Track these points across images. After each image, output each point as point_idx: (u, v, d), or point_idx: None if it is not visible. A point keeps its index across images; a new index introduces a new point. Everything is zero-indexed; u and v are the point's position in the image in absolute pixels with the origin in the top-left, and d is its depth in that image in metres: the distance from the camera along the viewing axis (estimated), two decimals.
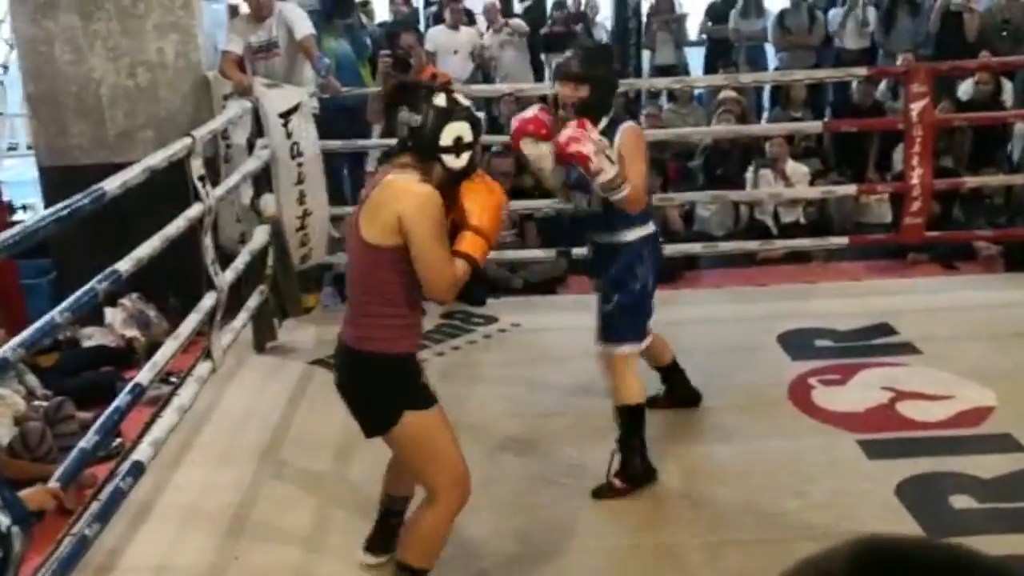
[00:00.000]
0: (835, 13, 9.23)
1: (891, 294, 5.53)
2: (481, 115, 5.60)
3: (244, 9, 5.73)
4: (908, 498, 3.49)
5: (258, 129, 5.16)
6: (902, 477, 3.62)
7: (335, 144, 5.58)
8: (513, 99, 8.51)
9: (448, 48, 9.01)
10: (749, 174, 6.81)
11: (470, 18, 9.89)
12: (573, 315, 5.52)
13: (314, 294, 5.82)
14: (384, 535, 3.30)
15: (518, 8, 10.69)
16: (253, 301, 4.91)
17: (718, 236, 6.62)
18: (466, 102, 2.79)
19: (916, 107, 5.16)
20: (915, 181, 5.24)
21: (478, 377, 4.76)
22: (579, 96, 3.41)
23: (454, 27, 9.08)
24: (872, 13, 9.13)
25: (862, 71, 5.95)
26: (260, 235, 4.96)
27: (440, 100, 2.72)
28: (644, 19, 10.53)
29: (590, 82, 3.42)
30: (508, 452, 4.00)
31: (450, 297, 2.85)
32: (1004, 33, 8.17)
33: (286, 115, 5.08)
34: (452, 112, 2.72)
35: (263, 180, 5.27)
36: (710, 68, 9.81)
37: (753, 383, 4.50)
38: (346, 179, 6.66)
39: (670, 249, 5.80)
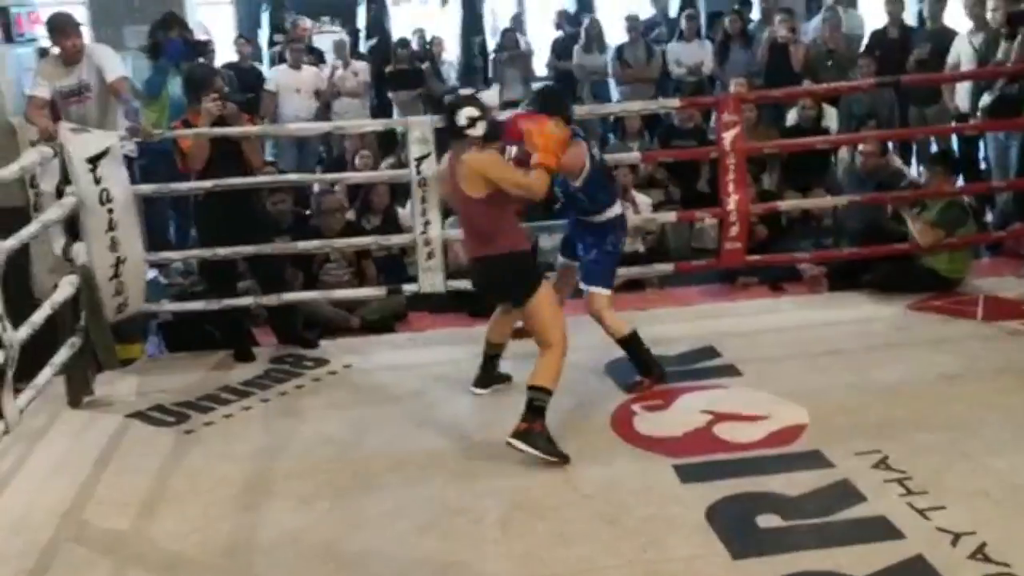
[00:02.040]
0: (673, 47, 9.48)
1: (718, 317, 5.64)
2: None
3: (55, 51, 5.52)
4: (717, 520, 3.51)
5: (66, 176, 4.95)
6: (713, 499, 3.64)
7: (147, 188, 5.41)
8: (358, 136, 8.50)
9: (291, 87, 8.92)
10: None
11: (320, 57, 9.82)
12: (407, 353, 5.50)
13: (138, 344, 5.60)
14: (488, 373, 4.78)
15: (364, 47, 10.66)
16: (61, 355, 4.68)
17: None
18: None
19: (728, 135, 5.30)
20: (731, 207, 5.36)
21: (303, 422, 4.63)
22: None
23: (296, 66, 9.00)
24: (708, 46, 9.44)
25: (675, 102, 6.08)
26: (66, 286, 4.75)
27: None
28: (491, 56, 10.65)
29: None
30: (324, 499, 3.88)
31: (542, 195, 4.07)
32: (829, 63, 8.52)
33: (94, 160, 4.87)
34: (457, 104, 4.11)
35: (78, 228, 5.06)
36: None
37: (578, 412, 4.51)
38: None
39: None
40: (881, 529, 3.37)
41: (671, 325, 5.52)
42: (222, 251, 5.25)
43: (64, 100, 5.38)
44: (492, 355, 4.79)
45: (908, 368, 4.73)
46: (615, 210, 4.68)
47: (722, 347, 5.16)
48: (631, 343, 4.73)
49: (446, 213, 5.34)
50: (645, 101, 6.53)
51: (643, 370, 4.73)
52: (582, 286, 4.73)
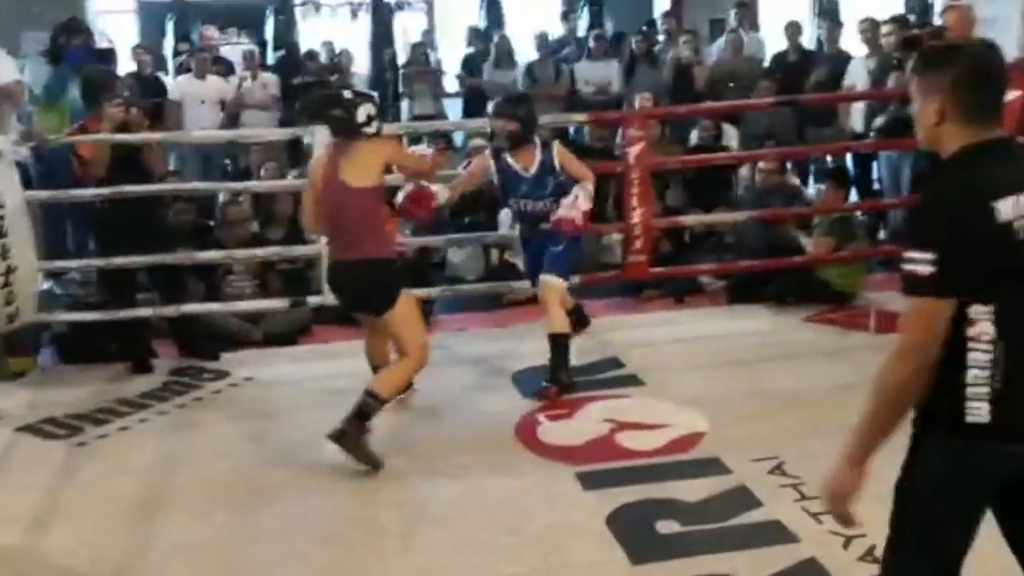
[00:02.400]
0: (581, 66, 9.60)
1: (623, 329, 5.72)
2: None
3: None
4: (617, 527, 3.54)
5: None
6: (614, 506, 3.68)
7: (43, 195, 5.25)
8: (264, 148, 8.39)
9: (195, 97, 8.76)
10: (502, 215, 6.91)
11: (228, 68, 9.67)
12: (309, 366, 5.44)
13: (29, 357, 5.42)
14: None
15: (271, 59, 10.54)
16: None
17: (469, 281, 6.67)
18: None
19: (633, 151, 5.39)
20: (636, 220, 5.44)
21: (200, 434, 4.54)
22: (510, 128, 4.73)
23: (201, 76, 8.85)
24: (615, 65, 9.58)
25: (582, 116, 6.17)
26: None
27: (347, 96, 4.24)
28: (400, 71, 10.62)
29: (518, 118, 4.73)
30: (221, 512, 3.80)
31: (429, 167, 4.64)
32: (731, 84, 8.72)
33: None
34: (356, 101, 4.17)
35: None
36: (468, 118, 9.95)
37: (483, 422, 4.52)
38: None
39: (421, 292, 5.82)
40: (776, 533, 3.44)
41: (577, 337, 5.55)
42: (118, 260, 5.12)
43: None
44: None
45: (804, 378, 4.85)
46: None
47: (626, 358, 5.23)
48: (561, 344, 4.76)
49: None
50: (554, 115, 6.56)
51: (554, 375, 4.75)
52: (541, 275, 4.79)
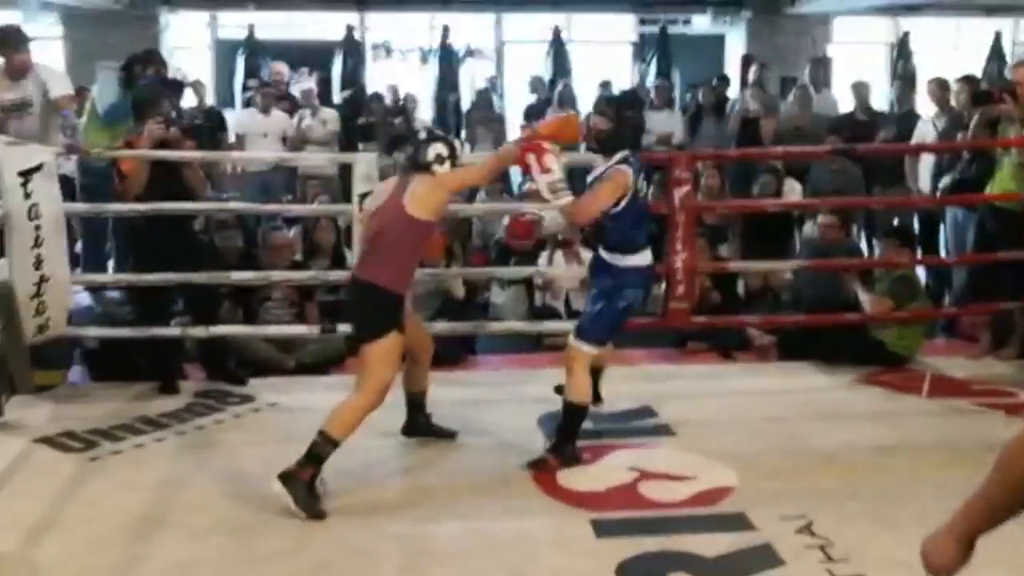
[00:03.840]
0: (649, 116, 9.49)
1: (660, 379, 5.50)
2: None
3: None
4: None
5: None
6: (626, 556, 3.47)
7: (80, 207, 5.27)
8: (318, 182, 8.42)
9: (258, 131, 8.85)
10: (543, 257, 6.79)
11: (294, 104, 9.77)
12: (335, 395, 5.20)
13: (59, 371, 5.40)
14: (414, 421, 4.57)
15: (337, 98, 10.64)
16: None
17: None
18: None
19: (679, 192, 5.22)
20: (678, 265, 5.25)
21: (213, 456, 4.43)
22: (600, 128, 4.27)
23: (265, 111, 8.95)
24: (679, 116, 9.46)
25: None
26: None
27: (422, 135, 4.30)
28: (463, 116, 10.65)
29: (614, 119, 4.23)
30: (219, 534, 3.68)
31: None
32: (797, 139, 8.52)
33: (26, 174, 4.75)
34: (431, 139, 4.13)
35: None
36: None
37: (501, 463, 4.33)
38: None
39: (454, 327, 5.71)
40: None
41: (612, 383, 5.32)
42: (150, 277, 5.09)
43: (5, 114, 5.27)
44: (413, 403, 4.58)
45: (846, 438, 4.58)
46: (641, 259, 4.26)
47: (660, 408, 5.01)
48: (574, 414, 4.27)
49: None
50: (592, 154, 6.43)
51: (557, 447, 4.29)
52: (570, 336, 4.28)
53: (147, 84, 5.57)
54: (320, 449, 3.84)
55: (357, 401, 3.93)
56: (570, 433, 4.28)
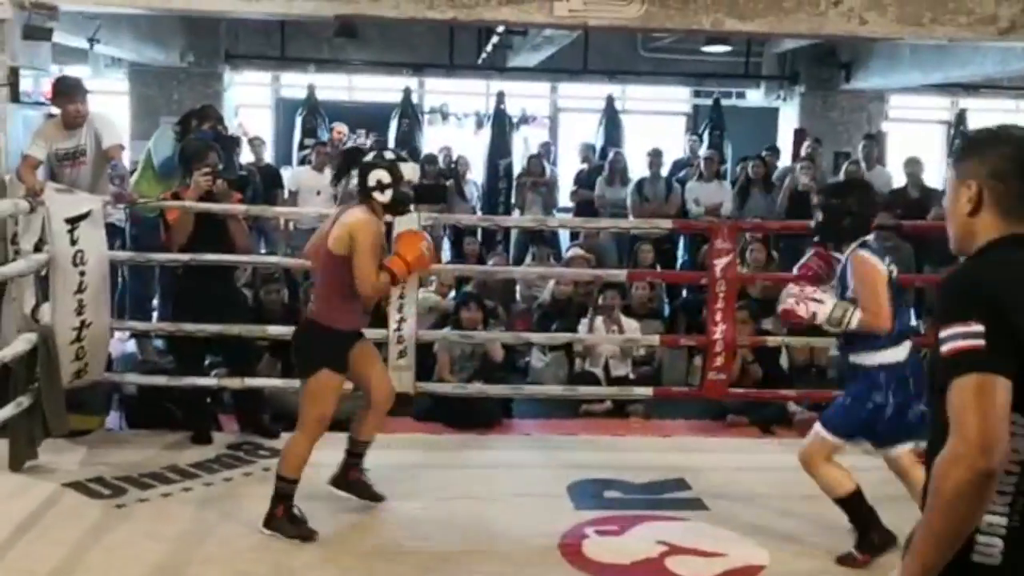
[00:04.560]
0: (692, 185, 9.47)
1: (696, 451, 5.39)
2: None
3: (56, 113, 5.58)
4: None
5: (45, 235, 4.92)
6: None
7: (123, 255, 5.36)
8: None
9: (311, 188, 8.98)
10: (583, 324, 6.75)
11: None
12: (368, 454, 5.27)
13: (99, 416, 5.45)
14: (344, 472, 4.43)
15: None
16: (4, 413, 4.54)
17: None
18: (389, 156, 4.08)
19: (720, 263, 5.16)
20: (717, 336, 5.17)
21: (237, 509, 4.40)
22: (816, 221, 4.01)
23: (319, 169, 9.08)
24: (728, 187, 9.42)
25: (668, 223, 6.00)
26: (21, 343, 4.64)
27: (367, 158, 4.07)
28: (514, 181, 10.70)
29: (825, 209, 3.92)
30: None
31: (371, 295, 3.99)
32: None
33: (73, 221, 4.85)
34: (373, 165, 3.99)
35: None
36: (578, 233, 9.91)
37: (527, 530, 4.25)
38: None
39: (489, 389, 5.67)
40: None
41: (646, 453, 5.28)
42: (188, 326, 5.13)
43: (59, 162, 5.41)
44: (352, 451, 4.45)
45: (886, 518, 4.42)
46: (894, 355, 3.80)
47: (693, 480, 4.90)
48: (851, 502, 3.93)
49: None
50: (637, 221, 6.46)
51: (860, 541, 3.93)
52: (816, 424, 3.96)
53: (197, 138, 5.68)
54: (281, 489, 4.05)
55: (296, 439, 4.08)
56: (863, 522, 3.95)
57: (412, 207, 4.33)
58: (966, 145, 1.89)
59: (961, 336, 1.66)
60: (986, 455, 1.61)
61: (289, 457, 4.05)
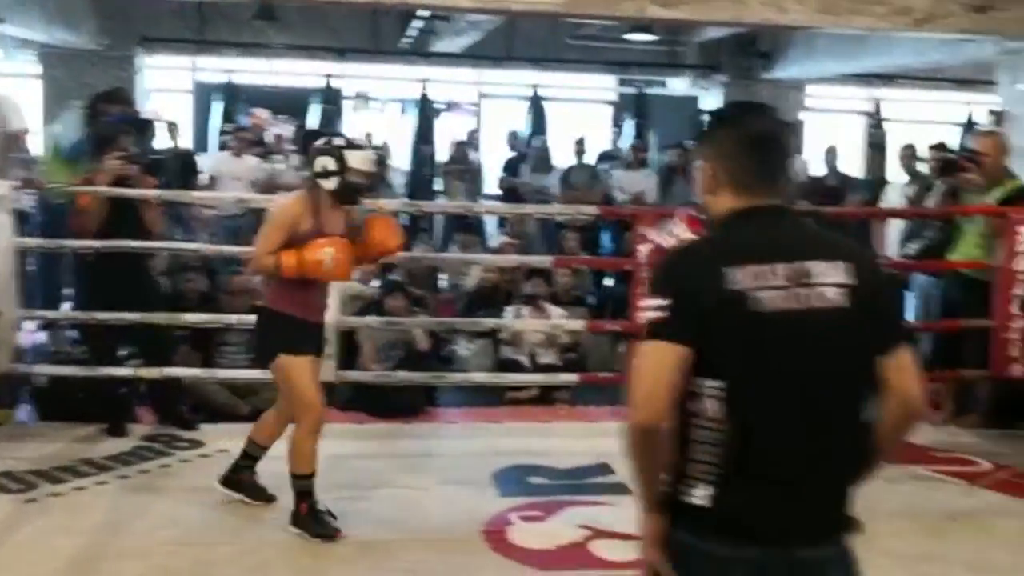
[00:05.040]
0: (618, 173, 9.53)
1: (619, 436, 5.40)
2: None
3: None
4: None
5: None
6: None
7: (31, 242, 5.18)
8: None
9: (231, 174, 8.81)
10: (508, 312, 6.74)
11: (267, 148, 9.73)
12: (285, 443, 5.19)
13: (7, 409, 5.27)
14: (235, 473, 4.23)
15: None
16: None
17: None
18: (339, 142, 3.89)
19: (643, 249, 5.18)
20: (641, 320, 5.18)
21: (154, 502, 4.29)
22: None
23: (238, 155, 8.92)
24: (653, 176, 9.50)
25: (593, 209, 6.01)
26: None
27: (318, 142, 3.87)
28: (439, 169, 10.64)
29: None
30: None
31: (251, 269, 4.32)
32: None
33: None
34: (321, 151, 3.84)
35: None
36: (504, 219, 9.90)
37: (452, 518, 4.23)
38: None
39: (414, 377, 5.62)
40: None
41: (571, 439, 5.29)
42: (101, 315, 4.99)
43: None
44: (248, 453, 4.24)
45: None
46: None
47: (618, 465, 4.90)
48: None
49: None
50: (563, 206, 6.46)
51: None
52: None
53: (108, 120, 5.50)
54: (300, 487, 3.91)
55: (295, 434, 3.93)
56: None
57: (358, 200, 4.02)
58: (701, 130, 2.08)
59: (653, 308, 1.87)
60: (641, 412, 1.85)
61: (294, 455, 3.90)
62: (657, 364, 1.84)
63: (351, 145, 3.95)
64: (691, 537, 1.90)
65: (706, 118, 2.12)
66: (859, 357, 1.90)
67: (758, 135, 1.96)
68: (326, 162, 3.82)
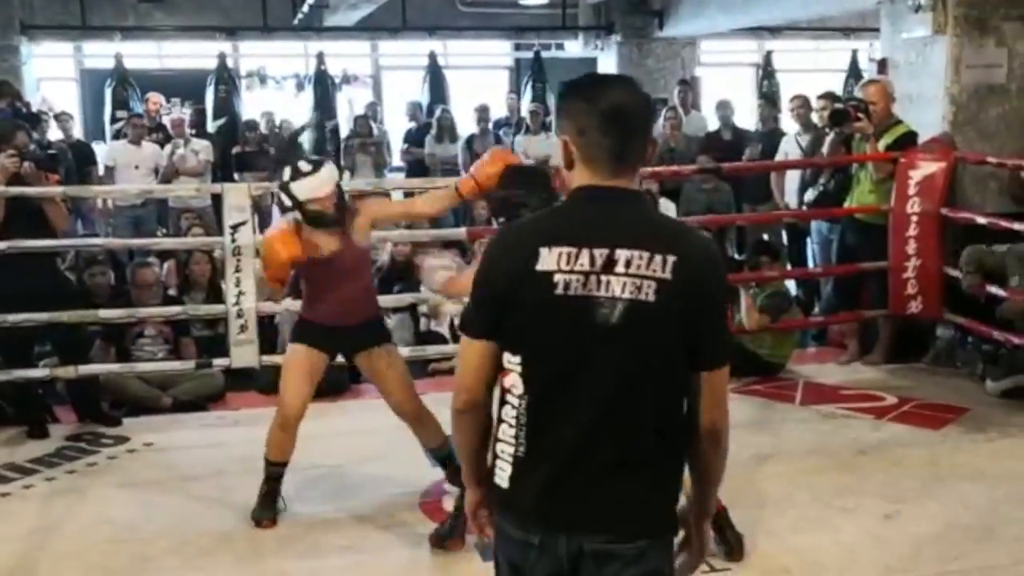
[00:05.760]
0: (520, 139, 9.60)
1: None
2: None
3: None
4: None
5: None
6: None
7: None
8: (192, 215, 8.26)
9: (129, 163, 8.62)
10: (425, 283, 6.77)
11: (167, 135, 9.53)
12: (214, 432, 5.20)
13: None
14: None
15: (211, 127, 10.45)
16: None
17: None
18: (287, 175, 3.79)
19: None
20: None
21: (85, 502, 4.25)
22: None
23: (136, 142, 8.72)
24: (555, 139, 9.59)
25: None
26: None
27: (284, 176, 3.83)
28: (343, 143, 10.57)
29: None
30: None
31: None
32: (671, 157, 8.74)
33: None
34: (281, 186, 3.81)
35: None
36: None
37: (388, 493, 4.29)
38: None
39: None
40: None
41: None
42: (11, 317, 4.88)
43: None
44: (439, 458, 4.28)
45: None
46: None
47: None
48: None
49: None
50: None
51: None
52: None
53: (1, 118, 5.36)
54: (266, 470, 4.00)
55: (273, 421, 4.01)
56: None
57: (331, 223, 3.84)
58: (558, 105, 1.97)
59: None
60: (456, 398, 1.95)
61: (267, 439, 4.01)
62: (466, 353, 1.92)
63: (297, 173, 3.78)
64: (499, 517, 1.94)
65: (561, 89, 1.95)
66: (657, 358, 1.83)
67: (611, 111, 1.83)
68: (284, 198, 3.82)
